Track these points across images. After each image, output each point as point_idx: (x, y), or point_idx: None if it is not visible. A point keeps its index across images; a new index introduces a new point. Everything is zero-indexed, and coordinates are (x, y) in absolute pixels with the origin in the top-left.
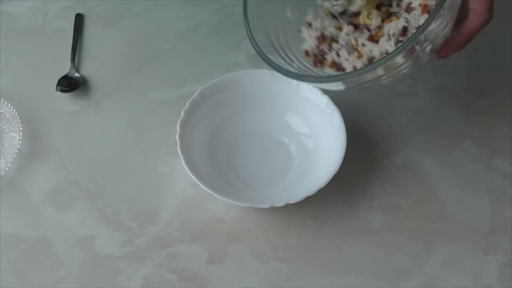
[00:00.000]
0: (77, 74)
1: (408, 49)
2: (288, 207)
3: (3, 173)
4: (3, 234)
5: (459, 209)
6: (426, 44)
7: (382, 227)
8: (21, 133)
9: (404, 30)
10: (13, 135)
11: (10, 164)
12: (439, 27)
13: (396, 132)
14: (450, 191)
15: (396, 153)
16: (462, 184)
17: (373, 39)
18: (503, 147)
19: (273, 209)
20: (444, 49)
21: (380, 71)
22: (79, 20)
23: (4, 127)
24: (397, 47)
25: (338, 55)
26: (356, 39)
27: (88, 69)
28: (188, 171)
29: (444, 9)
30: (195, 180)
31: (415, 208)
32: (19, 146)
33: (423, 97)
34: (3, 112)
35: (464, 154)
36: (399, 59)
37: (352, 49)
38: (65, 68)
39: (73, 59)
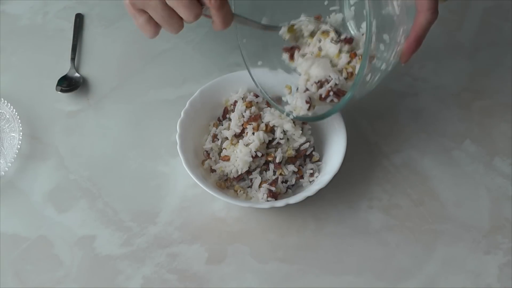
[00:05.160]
0: (77, 74)
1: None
2: (288, 207)
3: (3, 173)
4: (3, 234)
5: (459, 209)
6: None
7: (382, 227)
8: (21, 133)
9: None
10: (13, 135)
11: (10, 164)
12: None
13: (396, 132)
14: (450, 191)
15: (396, 153)
16: (462, 184)
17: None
18: (503, 147)
19: (273, 209)
20: (403, 53)
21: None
22: (79, 20)
23: (4, 127)
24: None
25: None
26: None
27: (88, 69)
28: (188, 171)
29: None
30: (195, 180)
31: (415, 208)
32: (19, 146)
33: (423, 97)
34: (3, 112)
35: (464, 154)
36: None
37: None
38: (65, 68)
39: (73, 59)
